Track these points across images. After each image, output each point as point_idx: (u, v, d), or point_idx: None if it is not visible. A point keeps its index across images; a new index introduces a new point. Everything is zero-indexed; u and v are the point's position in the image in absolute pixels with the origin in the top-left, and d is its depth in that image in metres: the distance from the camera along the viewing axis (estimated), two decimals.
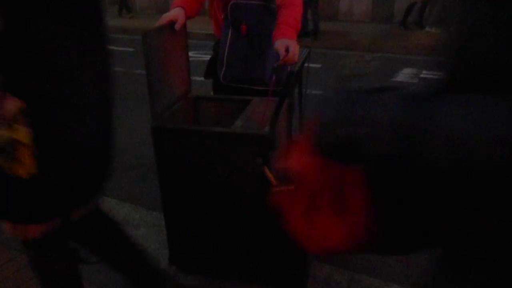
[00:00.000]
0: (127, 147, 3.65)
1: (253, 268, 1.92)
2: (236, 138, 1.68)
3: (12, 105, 1.09)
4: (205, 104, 2.16)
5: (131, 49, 7.02)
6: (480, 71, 0.44)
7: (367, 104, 0.47)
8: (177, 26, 1.84)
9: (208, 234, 1.92)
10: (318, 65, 6.33)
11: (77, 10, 1.19)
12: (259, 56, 2.07)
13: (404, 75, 5.69)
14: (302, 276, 1.88)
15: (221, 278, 1.99)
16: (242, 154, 1.68)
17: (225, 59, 2.13)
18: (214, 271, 2.02)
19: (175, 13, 1.85)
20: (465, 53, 0.45)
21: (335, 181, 0.51)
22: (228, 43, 2.10)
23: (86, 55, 1.24)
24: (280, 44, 1.81)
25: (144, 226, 2.45)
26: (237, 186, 1.75)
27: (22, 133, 1.11)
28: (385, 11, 9.46)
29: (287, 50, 1.78)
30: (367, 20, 9.68)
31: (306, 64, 1.92)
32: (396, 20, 9.31)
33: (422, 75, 5.64)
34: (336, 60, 6.75)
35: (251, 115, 1.91)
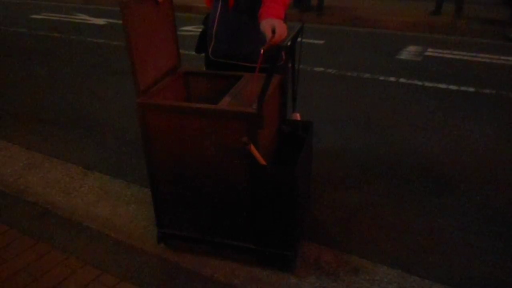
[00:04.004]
0: (119, 123, 3.61)
1: (241, 247, 1.90)
2: (222, 115, 1.62)
3: None
4: (195, 79, 2.09)
5: None
6: None
7: None
8: None
9: (195, 212, 1.89)
10: (321, 42, 6.20)
11: None
12: (250, 32, 1.98)
13: (408, 52, 5.56)
14: (290, 255, 1.86)
15: (209, 257, 1.98)
16: (228, 132, 1.63)
17: (214, 33, 2.05)
18: (202, 250, 2.01)
19: None
20: None
21: None
22: (217, 17, 2.01)
23: None
24: (265, 25, 1.71)
25: (135, 202, 2.43)
26: (224, 164, 1.71)
27: None
28: None
29: (273, 32, 1.69)
30: None
31: (299, 40, 1.85)
32: None
33: (426, 53, 5.50)
34: (340, 36, 6.60)
35: (241, 91, 1.85)
